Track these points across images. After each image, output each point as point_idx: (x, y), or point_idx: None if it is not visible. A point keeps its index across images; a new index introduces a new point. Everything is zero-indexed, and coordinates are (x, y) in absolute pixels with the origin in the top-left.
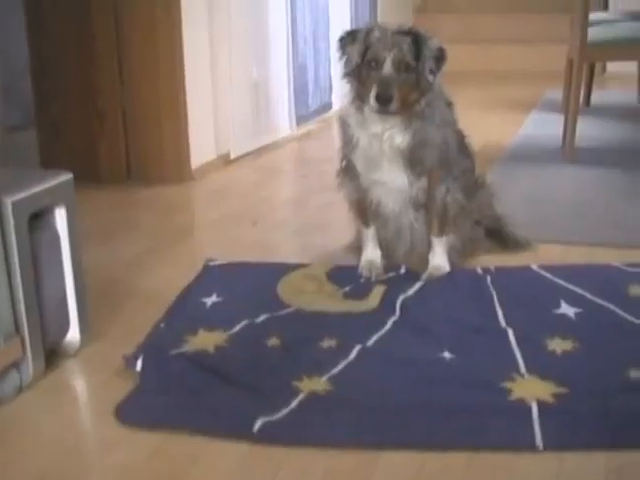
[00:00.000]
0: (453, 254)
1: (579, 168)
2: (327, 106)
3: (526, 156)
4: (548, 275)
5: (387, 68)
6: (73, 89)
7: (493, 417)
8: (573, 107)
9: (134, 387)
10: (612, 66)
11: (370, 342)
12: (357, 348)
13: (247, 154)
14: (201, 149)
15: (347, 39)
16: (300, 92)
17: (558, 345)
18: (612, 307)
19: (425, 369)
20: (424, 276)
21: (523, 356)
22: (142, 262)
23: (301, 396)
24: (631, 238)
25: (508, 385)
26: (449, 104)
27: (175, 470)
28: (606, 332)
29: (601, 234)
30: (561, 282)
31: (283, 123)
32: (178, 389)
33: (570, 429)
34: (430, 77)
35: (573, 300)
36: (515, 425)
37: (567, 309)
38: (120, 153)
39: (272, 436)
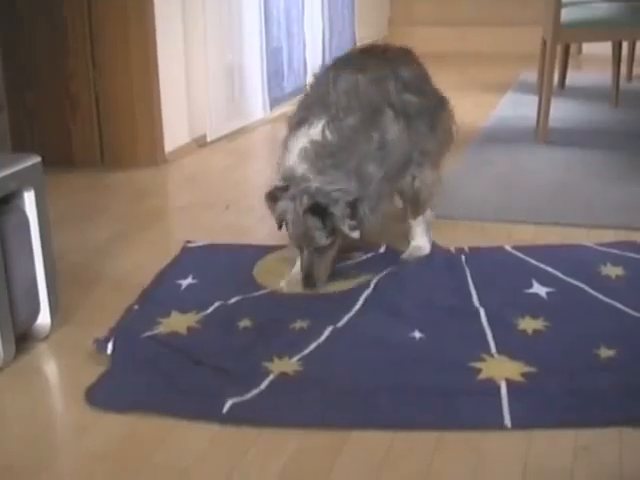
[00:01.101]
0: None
1: (552, 149)
2: (301, 89)
3: (500, 137)
4: (521, 255)
5: (306, 256)
6: (46, 74)
7: (462, 397)
8: (547, 88)
9: (105, 370)
10: (588, 48)
11: (341, 323)
12: (329, 329)
13: (221, 137)
14: (175, 133)
15: (267, 202)
16: (274, 75)
17: (529, 325)
18: (583, 286)
19: (395, 349)
20: (404, 255)
21: (494, 336)
22: (113, 246)
23: (271, 377)
24: (603, 219)
25: (478, 365)
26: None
27: (145, 454)
28: (577, 311)
29: (573, 215)
30: (534, 262)
31: (257, 106)
32: (149, 371)
33: (539, 408)
34: (355, 233)
35: (545, 280)
36: (484, 404)
37: (539, 289)
38: (93, 137)
39: (241, 417)
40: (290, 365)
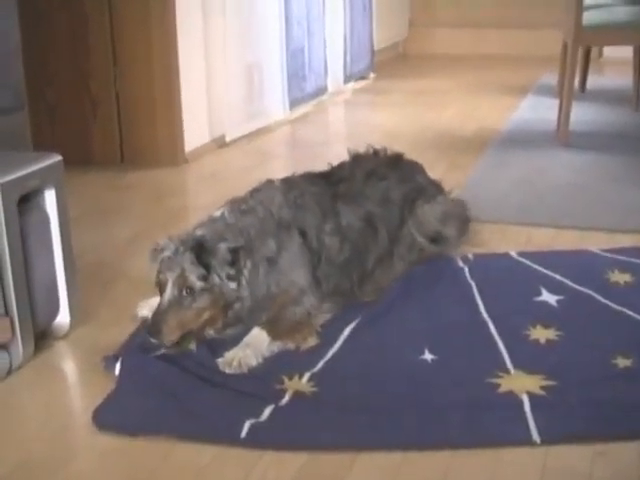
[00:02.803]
0: None
1: (572, 152)
2: (322, 89)
3: (520, 140)
4: (527, 262)
5: (168, 293)
6: (66, 72)
7: (485, 412)
8: (567, 91)
9: (112, 390)
10: (609, 51)
11: (346, 337)
12: (335, 346)
13: (241, 138)
14: (195, 132)
15: (150, 257)
16: (294, 75)
17: (541, 334)
18: (593, 294)
19: (408, 370)
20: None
21: (507, 348)
22: (133, 245)
23: (286, 397)
24: (622, 223)
25: (495, 381)
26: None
27: (162, 452)
28: (589, 320)
29: (592, 218)
30: (541, 269)
31: (277, 107)
32: (158, 393)
33: (564, 421)
34: (232, 285)
35: (554, 287)
36: (509, 420)
37: (548, 297)
38: (114, 136)
39: (260, 440)
40: (302, 385)
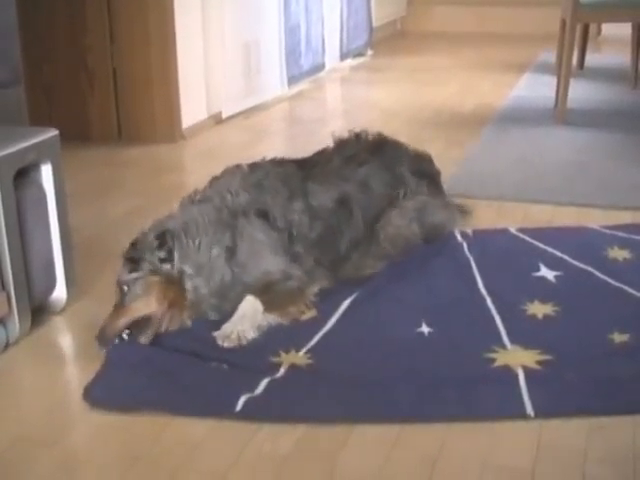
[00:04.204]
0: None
1: (570, 130)
2: (319, 66)
3: (518, 117)
4: (527, 238)
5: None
6: (63, 47)
7: (479, 385)
8: (566, 69)
9: (100, 367)
10: (607, 29)
11: (343, 311)
12: (332, 319)
13: (238, 114)
14: (192, 109)
15: None
16: (292, 52)
17: (538, 309)
18: (592, 270)
19: (405, 343)
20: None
21: (504, 323)
22: (130, 221)
23: (282, 371)
24: (620, 200)
25: (491, 355)
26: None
27: (158, 427)
28: (586, 295)
29: (590, 195)
30: (540, 245)
31: (274, 83)
32: (149, 369)
33: (558, 396)
34: (166, 266)
35: (552, 263)
36: (503, 394)
37: (547, 272)
38: (111, 112)
39: (256, 414)
40: (299, 358)
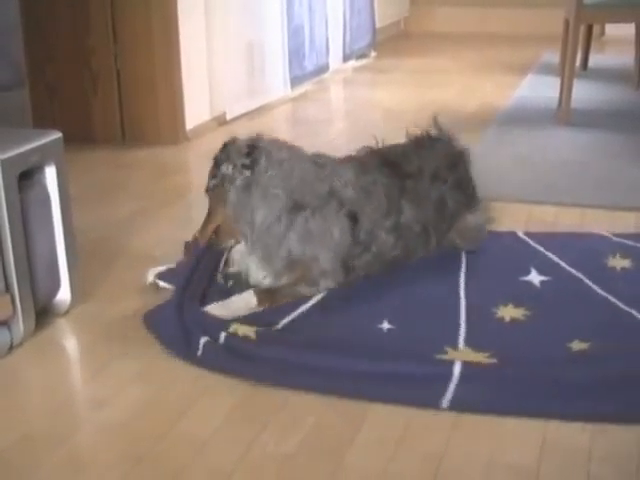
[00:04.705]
0: None
1: (574, 130)
2: (323, 67)
3: (521, 118)
4: (530, 242)
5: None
6: (67, 50)
7: (412, 374)
8: (569, 69)
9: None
10: (610, 29)
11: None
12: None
13: (242, 115)
14: (196, 110)
15: None
16: (295, 53)
17: (508, 313)
18: (582, 277)
19: (361, 336)
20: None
21: (467, 325)
22: (134, 222)
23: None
24: (624, 200)
25: (441, 357)
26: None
27: (163, 427)
28: (564, 302)
29: (594, 196)
30: (541, 249)
31: (278, 84)
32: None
33: (484, 394)
34: (247, 172)
35: (545, 268)
36: (428, 383)
37: (535, 277)
38: (114, 114)
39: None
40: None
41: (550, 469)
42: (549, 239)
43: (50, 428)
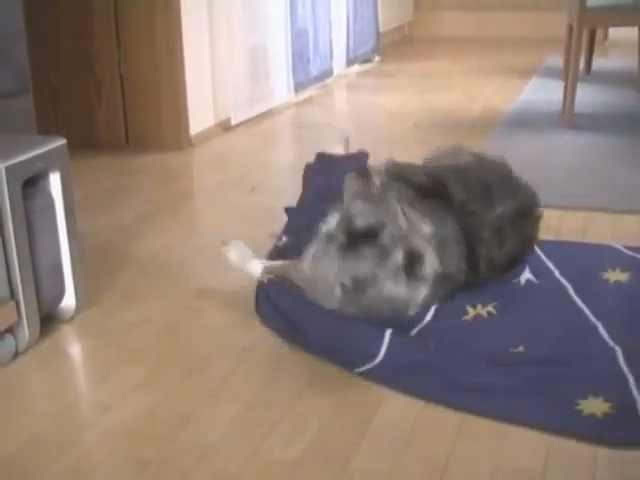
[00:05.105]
0: None
1: (578, 134)
2: (327, 72)
3: (525, 122)
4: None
5: None
6: (71, 56)
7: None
8: (573, 74)
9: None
10: (614, 33)
11: None
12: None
13: (246, 121)
14: (200, 116)
15: None
16: (299, 58)
17: (477, 311)
18: (568, 286)
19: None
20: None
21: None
22: (139, 228)
23: None
24: (628, 204)
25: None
26: None
27: (169, 431)
28: (532, 307)
29: (598, 200)
30: (540, 255)
31: (282, 89)
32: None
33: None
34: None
35: (536, 272)
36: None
37: (522, 277)
38: (118, 120)
39: None
40: None
41: (556, 474)
42: (552, 246)
43: (56, 434)
